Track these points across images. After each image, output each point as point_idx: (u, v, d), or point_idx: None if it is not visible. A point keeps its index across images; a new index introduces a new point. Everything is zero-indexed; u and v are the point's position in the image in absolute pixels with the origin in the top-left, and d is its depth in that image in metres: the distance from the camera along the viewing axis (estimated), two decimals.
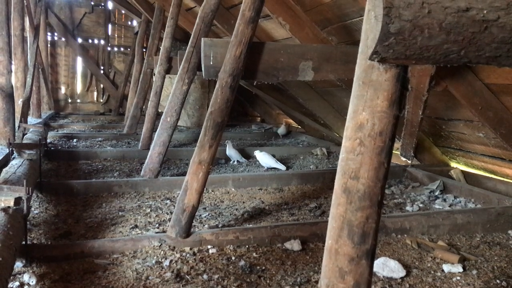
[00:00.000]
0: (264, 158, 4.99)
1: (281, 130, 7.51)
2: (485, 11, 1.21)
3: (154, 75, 5.87)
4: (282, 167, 4.89)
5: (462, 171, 4.52)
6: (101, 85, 9.96)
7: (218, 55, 2.83)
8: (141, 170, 4.39)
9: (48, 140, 5.87)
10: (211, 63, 2.83)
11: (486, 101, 3.26)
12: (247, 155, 5.58)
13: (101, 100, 10.01)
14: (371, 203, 1.26)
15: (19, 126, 5.04)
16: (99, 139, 6.50)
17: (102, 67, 9.92)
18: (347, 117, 1.30)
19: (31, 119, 6.89)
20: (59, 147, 5.80)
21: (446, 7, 1.18)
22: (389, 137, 1.26)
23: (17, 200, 2.35)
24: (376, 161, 1.26)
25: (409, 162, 4.71)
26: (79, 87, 9.88)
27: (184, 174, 4.22)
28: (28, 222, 2.80)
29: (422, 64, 1.29)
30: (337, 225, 1.29)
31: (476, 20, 1.20)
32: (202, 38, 2.82)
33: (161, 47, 5.47)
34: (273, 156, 5.34)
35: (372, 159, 1.25)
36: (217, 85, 2.76)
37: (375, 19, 1.16)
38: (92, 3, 9.60)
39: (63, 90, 9.75)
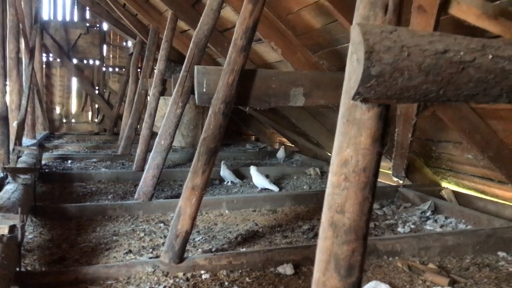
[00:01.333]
0: (257, 179, 5.03)
1: (280, 154, 7.04)
2: (462, 53, 1.28)
3: (149, 96, 5.93)
4: (275, 188, 4.93)
5: (453, 191, 4.58)
6: (96, 105, 10.01)
7: (211, 82, 2.89)
8: (135, 192, 4.42)
9: (43, 162, 5.89)
10: (204, 90, 2.88)
11: (474, 125, 3.34)
12: (242, 175, 5.62)
13: (96, 120, 10.05)
14: (357, 237, 1.31)
15: (13, 149, 5.06)
16: (94, 160, 6.52)
17: (97, 87, 9.99)
18: (332, 153, 1.35)
19: (26, 140, 6.90)
20: (54, 169, 5.82)
21: (425, 50, 1.25)
22: (373, 173, 1.31)
23: (12, 228, 2.37)
24: (361, 196, 1.31)
25: (401, 182, 4.76)
26: (74, 107, 9.93)
27: (178, 196, 4.25)
28: (22, 248, 2.81)
29: (403, 103, 1.35)
30: (324, 258, 1.33)
31: (454, 62, 1.27)
32: (196, 66, 2.89)
33: (156, 70, 5.54)
34: (267, 176, 5.38)
35: (356, 194, 1.30)
36: (210, 112, 2.82)
37: (357, 62, 1.22)
38: (87, 24, 9.70)
39: (58, 110, 9.78)
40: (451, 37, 1.30)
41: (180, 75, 4.12)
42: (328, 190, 1.35)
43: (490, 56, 1.31)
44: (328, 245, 1.33)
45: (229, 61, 2.85)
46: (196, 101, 2.92)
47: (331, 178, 1.34)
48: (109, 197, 4.60)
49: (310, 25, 3.93)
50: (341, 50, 3.89)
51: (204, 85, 2.88)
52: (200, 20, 4.01)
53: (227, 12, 4.85)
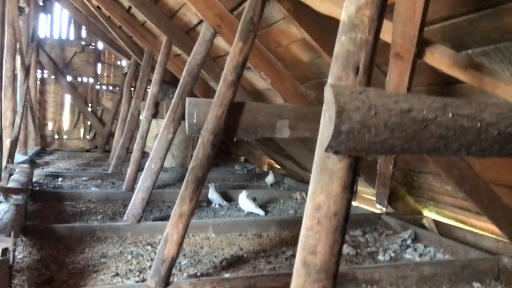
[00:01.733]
0: (244, 202, 5.14)
1: (269, 179, 7.00)
2: (424, 111, 1.43)
3: (141, 117, 6.06)
4: (261, 212, 5.04)
5: (434, 220, 4.73)
6: (88, 122, 10.10)
7: (201, 114, 3.02)
8: (124, 213, 4.51)
9: (34, 179, 5.96)
10: (195, 121, 3.02)
11: (450, 160, 3.50)
12: (229, 198, 5.73)
13: (88, 137, 10.13)
14: (327, 276, 1.44)
15: (5, 167, 5.13)
16: (84, 178, 6.60)
17: (90, 105, 10.10)
18: (307, 198, 1.49)
19: (18, 156, 6.95)
20: (45, 187, 5.89)
21: (391, 109, 1.39)
22: (343, 218, 1.45)
23: (4, 251, 2.47)
24: (332, 239, 1.44)
25: (384, 210, 4.91)
26: (66, 124, 10.01)
27: (166, 217, 4.36)
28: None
29: (371, 155, 1.50)
30: None
31: (417, 119, 1.41)
32: (187, 98, 3.02)
33: (149, 93, 5.68)
34: (254, 199, 5.50)
35: (328, 237, 1.43)
36: (199, 142, 2.96)
37: (329, 119, 1.36)
38: (83, 43, 9.86)
39: (50, 126, 9.85)
40: (415, 97, 1.45)
41: (173, 101, 4.25)
42: (302, 232, 1.48)
43: (450, 115, 1.46)
44: (301, 283, 1.45)
45: (219, 94, 3.00)
46: (186, 131, 3.06)
47: (305, 221, 1.47)
48: (99, 217, 4.68)
49: (298, 58, 4.10)
50: (327, 82, 4.05)
51: (195, 116, 3.02)
52: (193, 50, 4.16)
53: (220, 41, 5.01)
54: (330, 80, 1.48)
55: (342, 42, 1.47)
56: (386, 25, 2.35)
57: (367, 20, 1.44)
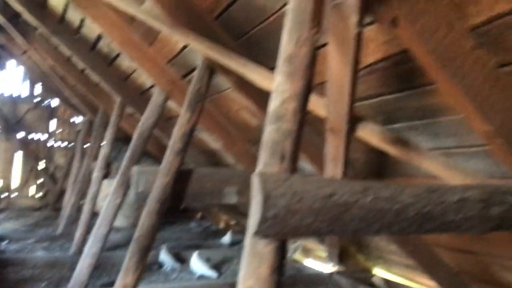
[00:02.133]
0: (196, 264, 5.08)
1: (226, 239, 6.94)
2: (345, 196, 1.53)
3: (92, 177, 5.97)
4: (213, 275, 4.98)
5: (384, 279, 4.82)
6: (40, 180, 9.80)
7: (148, 182, 3.06)
8: (71, 278, 4.35)
9: None
10: (140, 190, 3.04)
11: None
12: (183, 259, 5.63)
13: (38, 195, 9.80)
14: None
15: None
16: (32, 240, 6.35)
17: (41, 162, 9.84)
18: (238, 282, 1.54)
19: None
20: None
21: (314, 195, 1.49)
22: None
23: None
24: None
25: (335, 268, 4.97)
26: (16, 181, 9.68)
27: (115, 282, 4.24)
28: None
29: (299, 238, 1.58)
30: None
31: (339, 203, 1.51)
32: (133, 167, 3.06)
33: (100, 153, 5.65)
34: (208, 259, 5.43)
35: None
36: (144, 211, 2.97)
37: (257, 205, 1.44)
38: (37, 99, 9.74)
39: None
40: (337, 182, 1.57)
41: (123, 165, 4.25)
42: None
43: (370, 198, 1.57)
44: None
45: (166, 162, 3.05)
46: (132, 200, 3.07)
47: None
48: (43, 285, 4.49)
49: (248, 123, 4.24)
50: None
51: (140, 185, 3.04)
52: (145, 113, 4.25)
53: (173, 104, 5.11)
54: (259, 167, 1.57)
55: (269, 131, 1.58)
56: (321, 101, 2.51)
57: (291, 112, 1.57)
